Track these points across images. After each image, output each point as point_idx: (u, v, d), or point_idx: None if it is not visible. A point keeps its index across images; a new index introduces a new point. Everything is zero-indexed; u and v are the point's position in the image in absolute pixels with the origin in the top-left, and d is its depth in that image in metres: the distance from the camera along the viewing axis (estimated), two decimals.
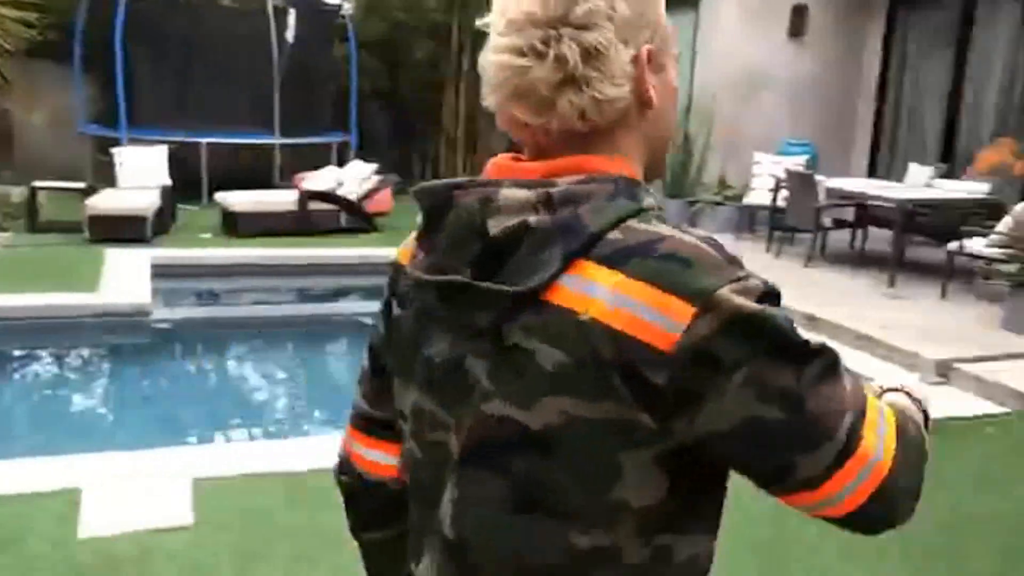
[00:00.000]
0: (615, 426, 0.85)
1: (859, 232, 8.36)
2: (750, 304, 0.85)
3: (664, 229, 0.88)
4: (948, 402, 4.90)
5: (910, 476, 0.92)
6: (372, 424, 1.11)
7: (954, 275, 6.91)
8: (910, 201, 7.34)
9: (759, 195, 8.86)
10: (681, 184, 9.82)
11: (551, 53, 0.90)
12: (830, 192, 7.82)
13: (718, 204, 9.39)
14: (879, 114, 9.70)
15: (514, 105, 0.93)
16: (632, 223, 0.88)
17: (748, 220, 9.08)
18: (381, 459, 1.10)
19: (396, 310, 1.02)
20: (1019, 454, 4.25)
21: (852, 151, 9.84)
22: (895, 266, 7.24)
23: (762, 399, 0.84)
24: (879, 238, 8.24)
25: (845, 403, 0.87)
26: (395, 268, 1.05)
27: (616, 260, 0.86)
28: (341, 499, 1.17)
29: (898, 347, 5.61)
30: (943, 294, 6.85)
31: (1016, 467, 4.12)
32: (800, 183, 7.92)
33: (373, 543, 1.17)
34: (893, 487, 0.90)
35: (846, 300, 6.72)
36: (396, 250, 1.06)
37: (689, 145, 9.71)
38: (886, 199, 7.54)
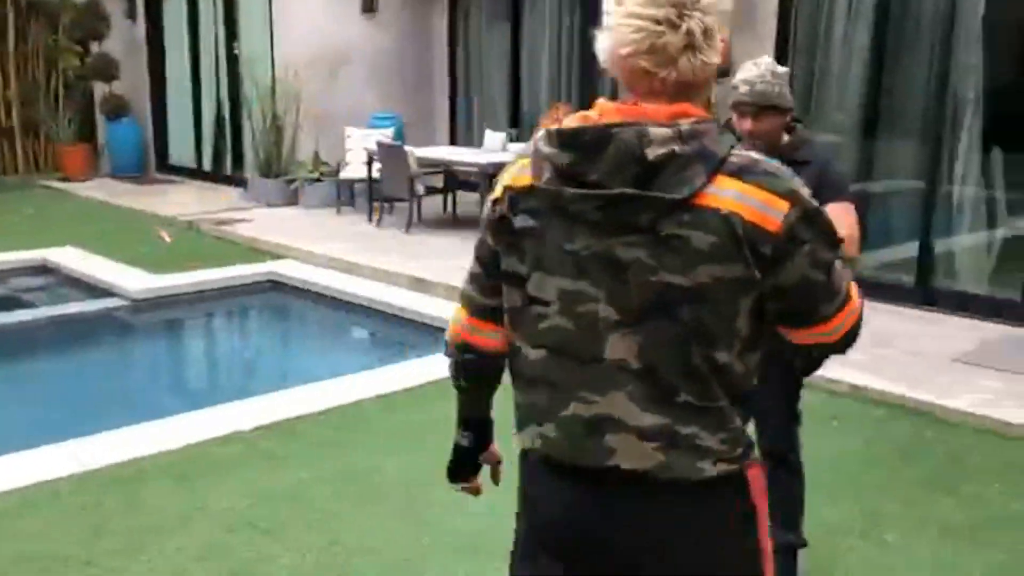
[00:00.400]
0: (740, 281, 1.35)
1: (450, 196, 8.94)
2: (814, 202, 1.38)
3: (754, 154, 1.37)
4: None
5: (861, 321, 1.50)
6: (486, 311, 1.56)
7: None
8: (490, 164, 8.00)
9: (354, 169, 9.07)
10: (276, 163, 9.73)
11: (684, 26, 1.32)
12: (420, 161, 8.26)
13: (316, 180, 9.46)
14: (453, 85, 10.37)
15: (645, 58, 1.33)
16: (735, 150, 1.35)
17: (348, 193, 9.27)
18: (492, 336, 1.57)
19: (523, 222, 1.42)
20: None
21: (434, 121, 10.43)
22: None
23: (813, 266, 1.38)
24: (468, 200, 8.88)
25: (844, 273, 1.44)
26: (513, 192, 1.44)
27: (736, 173, 1.33)
28: (461, 376, 1.66)
29: None
30: None
31: None
32: (391, 154, 8.26)
33: (478, 395, 1.69)
34: (859, 323, 1.49)
35: (448, 260, 7.18)
36: (503, 185, 1.46)
37: (279, 123, 9.63)
38: (469, 164, 8.16)
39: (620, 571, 1.49)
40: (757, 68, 2.68)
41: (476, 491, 1.79)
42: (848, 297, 1.45)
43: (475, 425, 1.73)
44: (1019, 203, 5.96)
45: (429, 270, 6.81)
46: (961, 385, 4.52)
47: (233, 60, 10.67)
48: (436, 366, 5.08)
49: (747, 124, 2.66)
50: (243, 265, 7.30)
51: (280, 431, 4.13)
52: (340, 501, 3.51)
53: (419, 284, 6.63)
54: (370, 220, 8.66)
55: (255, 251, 7.79)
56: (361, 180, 8.93)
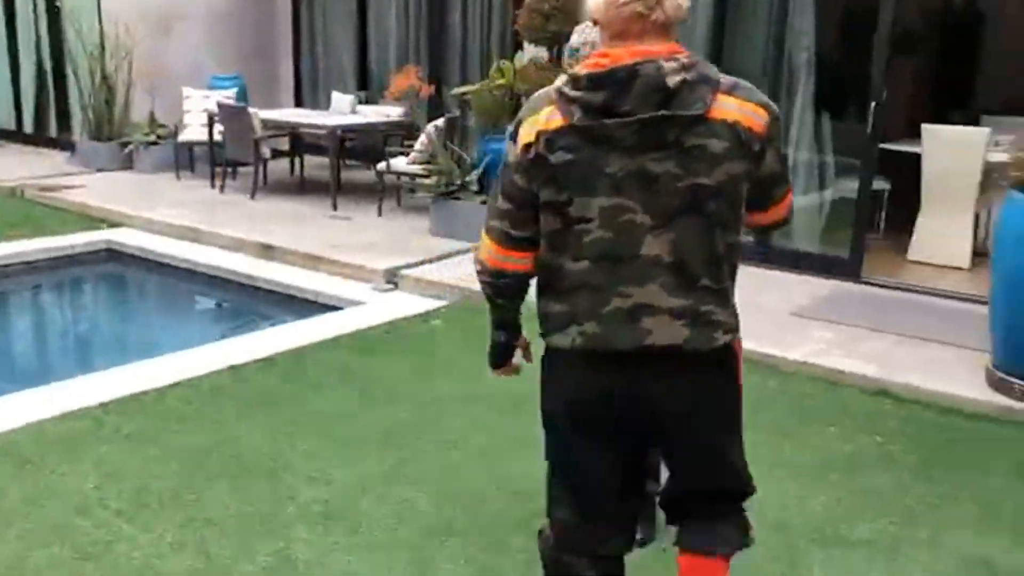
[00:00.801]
0: (745, 174, 1.76)
1: (297, 160, 8.68)
2: (777, 108, 1.80)
3: (732, 77, 1.75)
4: (399, 305, 5.48)
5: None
6: (517, 240, 1.86)
7: (385, 193, 7.60)
8: (339, 127, 7.83)
9: (194, 131, 8.64)
10: (108, 125, 9.14)
11: None
12: (265, 123, 7.97)
13: (152, 144, 8.96)
14: (297, 44, 10.03)
15: (640, 3, 1.69)
16: (721, 74, 1.74)
17: (187, 157, 8.83)
18: (522, 261, 1.89)
19: (560, 157, 1.72)
20: (464, 335, 4.94)
21: (278, 82, 10.07)
22: (334, 190, 7.71)
23: (776, 159, 1.84)
24: (316, 164, 8.66)
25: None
26: (548, 134, 1.73)
27: (730, 90, 1.73)
28: (498, 296, 2.01)
29: (350, 263, 6.05)
30: (379, 211, 7.50)
31: (463, 346, 4.79)
32: (234, 116, 7.92)
33: (511, 307, 2.04)
34: (793, 205, 2.00)
35: (296, 226, 7.00)
36: (535, 130, 1.75)
37: (109, 82, 9.04)
38: (317, 127, 7.93)
39: (649, 432, 1.89)
40: (595, 30, 2.71)
41: (516, 370, 2.19)
42: (789, 183, 1.95)
43: (508, 325, 2.10)
44: (845, 166, 6.37)
45: (277, 236, 6.61)
46: (798, 337, 4.81)
47: (54, 11, 9.89)
48: (289, 335, 4.97)
49: None
50: (76, 234, 6.86)
51: (128, 406, 3.92)
52: (196, 476, 3.37)
53: (267, 251, 6.43)
54: (213, 185, 8.30)
55: (88, 219, 7.33)
56: (202, 143, 8.52)
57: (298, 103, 9.95)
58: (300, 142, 8.64)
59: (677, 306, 1.77)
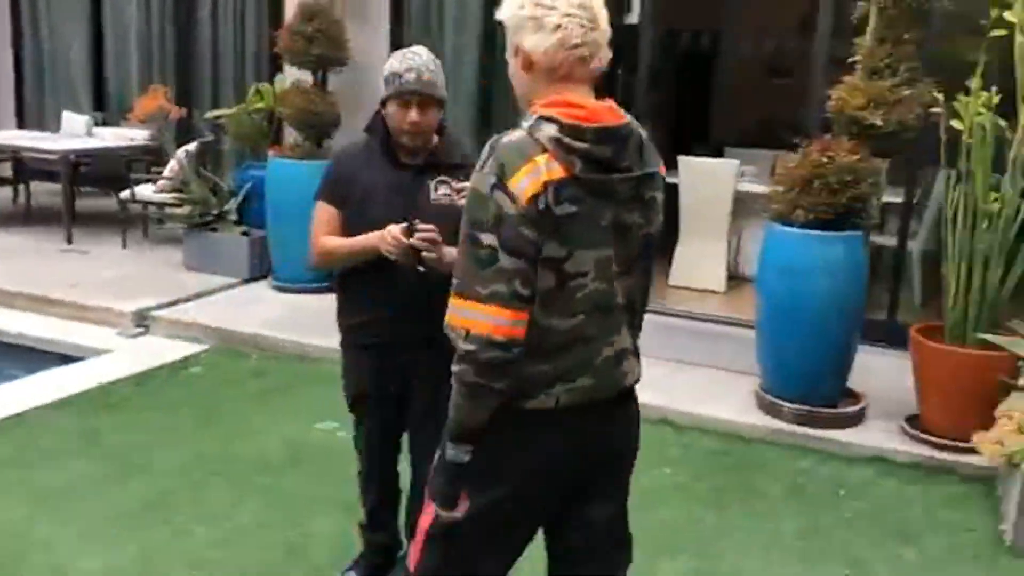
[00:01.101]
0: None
1: (22, 188, 7.77)
2: None
3: None
4: (151, 351, 4.91)
5: None
6: (525, 300, 1.68)
7: (130, 223, 6.90)
8: (72, 152, 7.07)
9: None
10: None
11: (601, 25, 1.75)
12: None
13: None
14: (18, 57, 8.98)
15: (586, 48, 1.73)
16: None
17: None
18: (525, 323, 1.69)
19: (565, 209, 1.67)
20: (228, 383, 4.49)
21: None
22: (69, 221, 6.90)
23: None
24: (45, 192, 7.76)
25: None
26: (554, 184, 1.66)
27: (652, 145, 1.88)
28: (505, 376, 1.68)
29: (91, 305, 5.39)
30: (124, 244, 6.80)
31: (228, 396, 4.34)
32: None
33: (502, 394, 1.71)
34: None
35: (22, 263, 6.20)
36: (540, 180, 1.65)
37: None
38: (46, 151, 7.11)
39: (610, 465, 1.90)
40: (420, 57, 2.50)
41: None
42: None
43: (479, 431, 1.72)
44: None
45: None
46: None
47: None
48: (15, 393, 4.29)
49: (413, 115, 2.46)
50: None
51: None
52: None
53: None
54: None
55: None
56: None
57: (21, 123, 8.89)
58: (24, 167, 7.71)
59: (631, 344, 1.88)
